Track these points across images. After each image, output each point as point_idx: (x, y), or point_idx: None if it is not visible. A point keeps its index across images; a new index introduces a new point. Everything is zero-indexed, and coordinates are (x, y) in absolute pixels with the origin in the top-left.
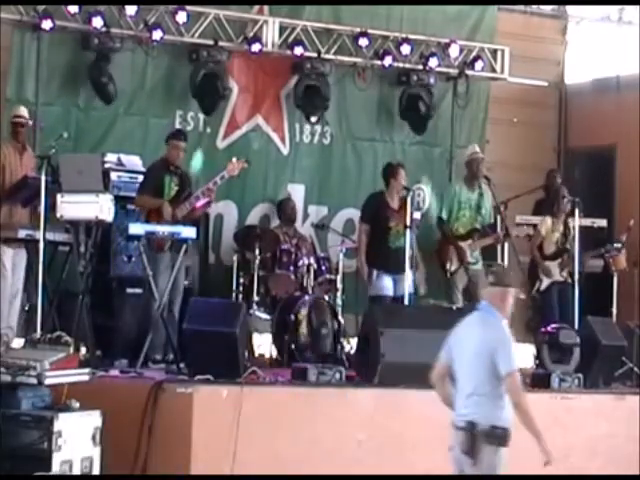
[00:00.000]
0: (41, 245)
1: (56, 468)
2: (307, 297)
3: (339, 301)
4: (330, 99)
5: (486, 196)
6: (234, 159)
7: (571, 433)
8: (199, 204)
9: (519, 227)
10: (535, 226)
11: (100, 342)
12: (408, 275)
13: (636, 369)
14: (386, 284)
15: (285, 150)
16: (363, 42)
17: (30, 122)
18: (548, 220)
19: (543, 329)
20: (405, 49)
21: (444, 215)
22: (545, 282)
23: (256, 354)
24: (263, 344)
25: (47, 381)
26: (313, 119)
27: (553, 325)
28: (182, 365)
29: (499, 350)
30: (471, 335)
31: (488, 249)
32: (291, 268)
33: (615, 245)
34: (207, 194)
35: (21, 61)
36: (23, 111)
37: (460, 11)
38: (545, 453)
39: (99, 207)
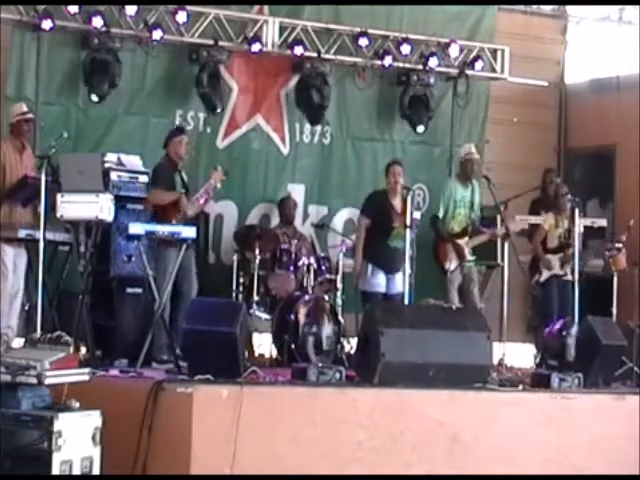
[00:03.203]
0: (41, 245)
1: (56, 468)
2: (307, 297)
3: (339, 301)
4: (330, 99)
5: (476, 191)
6: (216, 170)
7: (571, 433)
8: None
9: (517, 222)
10: (534, 225)
11: (100, 342)
12: (407, 274)
13: (636, 369)
14: (380, 281)
15: (285, 150)
16: (363, 42)
17: (32, 115)
18: (551, 216)
19: (542, 329)
20: (405, 49)
21: (440, 214)
22: (545, 274)
23: (256, 354)
24: (263, 344)
25: (47, 381)
26: (316, 127)
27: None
28: (182, 365)
29: None
30: None
31: (486, 248)
32: (291, 268)
33: (616, 245)
34: (204, 195)
35: (21, 61)
36: (25, 107)
37: (460, 11)
38: None
39: (99, 207)
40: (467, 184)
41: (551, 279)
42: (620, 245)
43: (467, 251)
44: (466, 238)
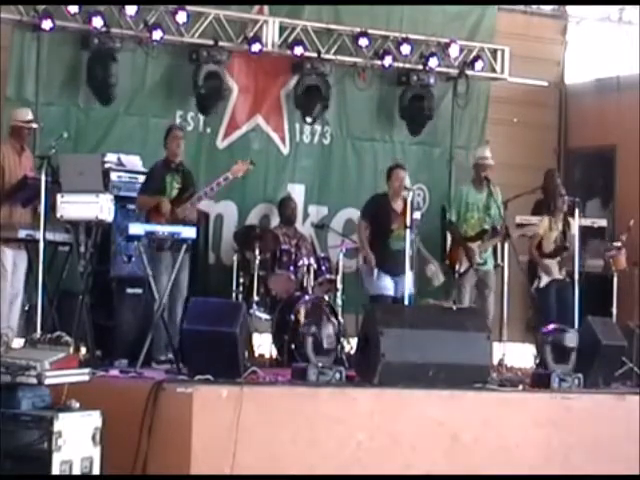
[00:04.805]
0: (41, 245)
1: (56, 468)
2: (307, 297)
3: (339, 301)
4: (330, 99)
5: (494, 196)
6: (239, 161)
7: (571, 433)
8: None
9: (523, 227)
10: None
11: (100, 342)
12: (408, 275)
13: (636, 369)
14: (387, 284)
15: (285, 150)
16: (363, 42)
17: (36, 125)
18: (545, 220)
19: (543, 329)
20: (405, 49)
21: (453, 217)
22: (544, 280)
23: (256, 354)
24: (263, 344)
25: (47, 381)
26: (308, 119)
27: (553, 326)
28: (182, 365)
29: None
30: None
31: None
32: (291, 268)
33: (615, 244)
34: (210, 195)
35: (21, 61)
36: (30, 115)
37: (460, 11)
38: None
39: (99, 207)
40: (482, 188)
41: (550, 283)
42: (619, 244)
43: (478, 254)
44: (479, 242)
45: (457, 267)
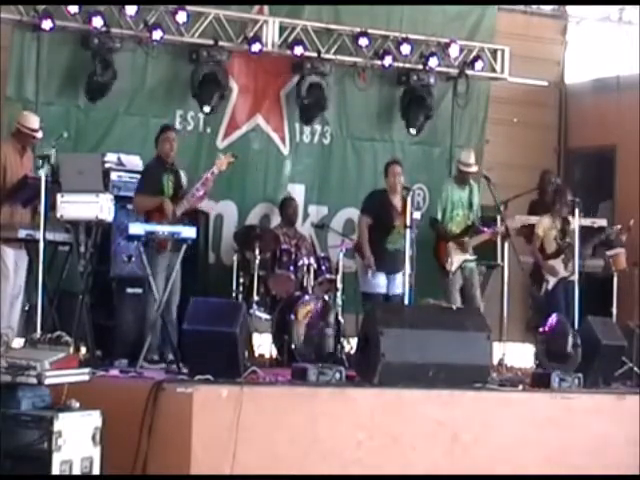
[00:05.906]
0: (41, 245)
1: (56, 468)
2: (307, 297)
3: (339, 301)
4: (330, 99)
5: (475, 192)
6: (222, 155)
7: (571, 433)
8: (195, 198)
9: (515, 220)
10: (530, 227)
11: (100, 342)
12: (407, 274)
13: (636, 369)
14: (380, 282)
15: (285, 150)
16: (363, 42)
17: (41, 135)
18: (545, 220)
19: (542, 329)
20: (405, 49)
21: (439, 216)
22: (552, 281)
23: (256, 354)
24: (263, 344)
25: (47, 381)
26: (316, 126)
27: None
28: (182, 365)
29: None
30: None
31: (486, 248)
32: (291, 268)
33: (616, 228)
34: (201, 188)
35: (21, 61)
36: (38, 124)
37: (460, 11)
38: None
39: (99, 207)
40: (464, 185)
41: (557, 284)
42: (619, 227)
43: (468, 249)
44: (466, 238)
45: (448, 266)
